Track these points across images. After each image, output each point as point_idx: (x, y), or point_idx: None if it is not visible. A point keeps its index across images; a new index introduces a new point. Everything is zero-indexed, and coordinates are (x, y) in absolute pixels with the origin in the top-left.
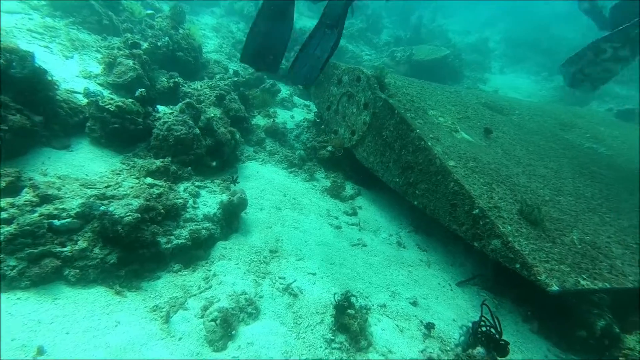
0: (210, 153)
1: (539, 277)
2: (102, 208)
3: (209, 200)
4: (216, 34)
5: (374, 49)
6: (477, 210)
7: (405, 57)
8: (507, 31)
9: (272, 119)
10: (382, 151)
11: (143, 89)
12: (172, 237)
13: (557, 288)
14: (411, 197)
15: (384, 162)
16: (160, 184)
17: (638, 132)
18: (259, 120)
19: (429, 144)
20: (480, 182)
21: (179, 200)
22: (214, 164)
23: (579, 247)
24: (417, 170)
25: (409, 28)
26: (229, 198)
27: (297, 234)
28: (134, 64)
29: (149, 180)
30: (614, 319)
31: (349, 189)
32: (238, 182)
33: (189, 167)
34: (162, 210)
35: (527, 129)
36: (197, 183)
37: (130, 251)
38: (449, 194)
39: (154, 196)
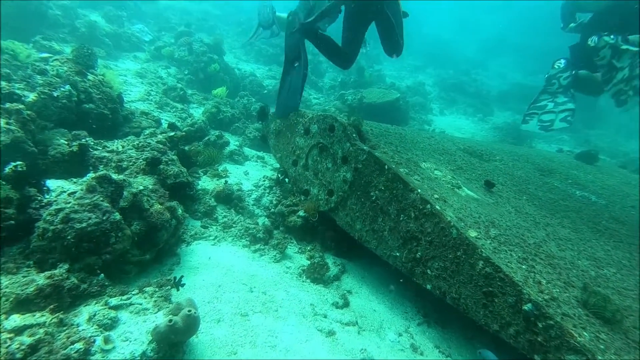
0: (138, 243)
1: None
2: None
3: (133, 329)
4: (141, 81)
5: (320, 93)
6: (529, 305)
7: (357, 100)
8: (436, 76)
9: (223, 180)
10: (372, 216)
11: (20, 162)
12: None
13: None
14: (421, 278)
15: (377, 231)
16: (38, 321)
17: (608, 177)
18: (206, 183)
19: (437, 207)
20: (514, 258)
21: (75, 347)
22: (145, 257)
23: None
24: (424, 242)
25: (350, 71)
26: (169, 320)
27: (277, 357)
28: (7, 124)
29: (14, 320)
30: None
31: (331, 264)
32: (183, 285)
33: (101, 275)
34: None
35: (518, 178)
36: (113, 301)
37: None
38: (478, 277)
39: (17, 356)
